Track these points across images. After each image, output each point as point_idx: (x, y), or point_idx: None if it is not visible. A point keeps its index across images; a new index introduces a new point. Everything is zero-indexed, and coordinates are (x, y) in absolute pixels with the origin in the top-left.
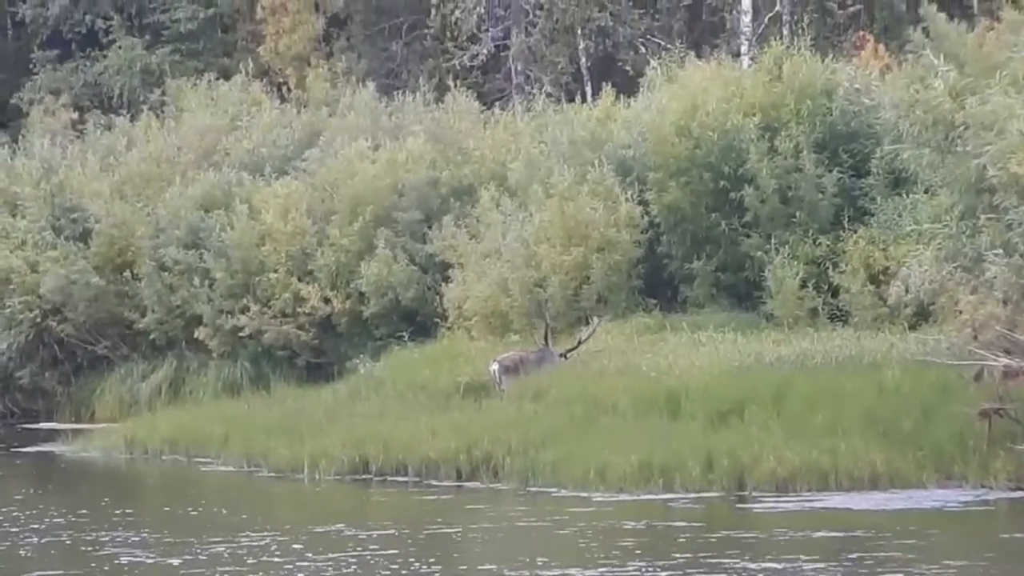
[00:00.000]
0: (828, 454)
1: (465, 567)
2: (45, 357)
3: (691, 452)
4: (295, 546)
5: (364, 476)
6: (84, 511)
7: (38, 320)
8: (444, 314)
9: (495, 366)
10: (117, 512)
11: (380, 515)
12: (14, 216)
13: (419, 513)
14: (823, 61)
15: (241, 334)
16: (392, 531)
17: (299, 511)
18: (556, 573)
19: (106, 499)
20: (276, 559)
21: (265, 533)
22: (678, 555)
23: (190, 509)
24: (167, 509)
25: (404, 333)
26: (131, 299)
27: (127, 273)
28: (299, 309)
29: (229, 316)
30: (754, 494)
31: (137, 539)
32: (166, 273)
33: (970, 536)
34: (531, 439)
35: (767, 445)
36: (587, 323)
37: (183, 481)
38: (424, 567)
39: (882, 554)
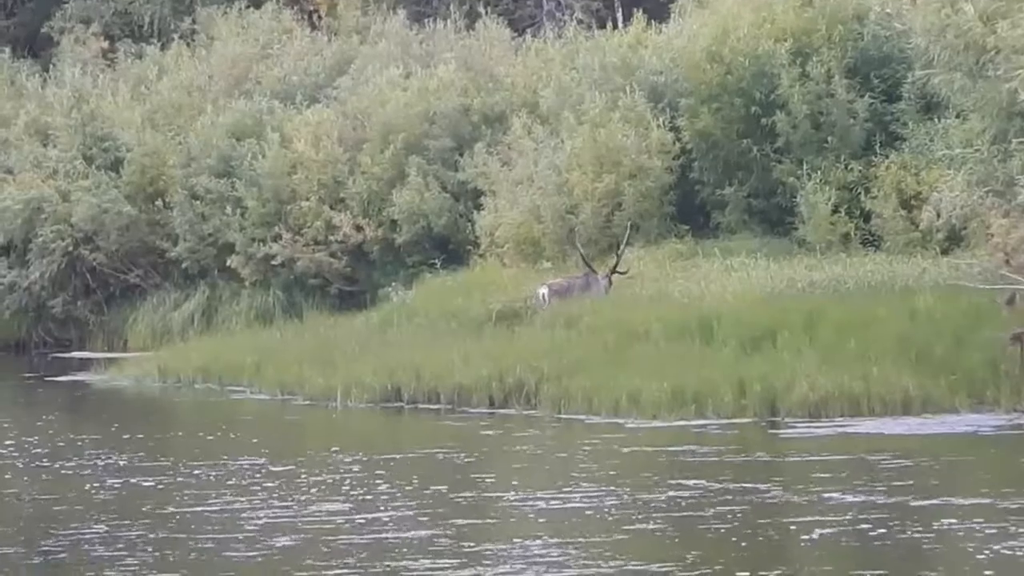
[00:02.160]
0: (860, 379)
1: (438, 488)
2: (77, 286)
3: (723, 378)
4: (279, 468)
5: (396, 404)
6: (89, 436)
7: (70, 249)
8: (476, 241)
9: (544, 290)
10: (125, 437)
11: (388, 440)
12: (45, 145)
13: (433, 438)
14: None
15: (273, 262)
16: (389, 454)
17: (308, 437)
18: (535, 495)
19: (115, 425)
20: (248, 481)
21: (260, 457)
22: (708, 480)
23: (202, 434)
24: (179, 434)
25: (436, 261)
26: (163, 228)
27: (159, 202)
28: (331, 237)
29: (261, 244)
30: (786, 420)
31: (125, 463)
32: (198, 202)
33: (1002, 460)
34: (564, 366)
35: (799, 371)
36: (618, 248)
37: (209, 408)
38: (387, 486)
39: (914, 478)
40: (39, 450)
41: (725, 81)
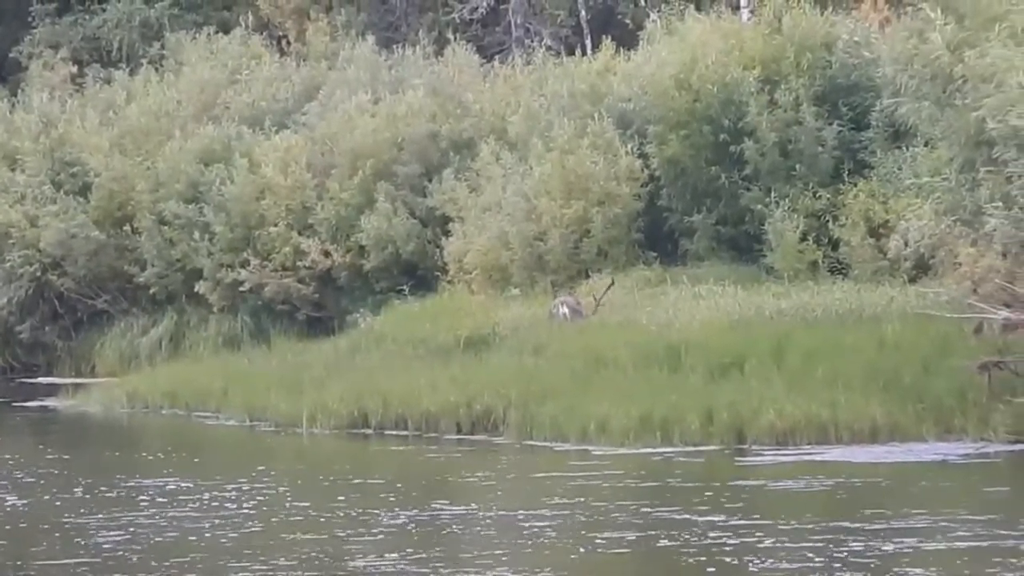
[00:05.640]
0: (828, 407)
1: (340, 508)
2: (45, 311)
3: (691, 405)
4: (186, 484)
5: (363, 430)
6: (19, 456)
7: (38, 274)
8: (444, 268)
9: (565, 309)
10: (49, 457)
11: (330, 464)
12: (13, 170)
13: (382, 463)
14: (823, 14)
15: (241, 288)
16: (318, 477)
17: (247, 459)
18: (434, 515)
19: (41, 446)
20: (142, 498)
21: (176, 476)
22: (672, 507)
23: (140, 455)
24: (117, 454)
25: (404, 287)
26: (131, 253)
27: (127, 227)
28: (299, 263)
29: (229, 270)
30: (753, 447)
31: (35, 481)
32: (166, 227)
33: (969, 489)
34: (531, 393)
35: (767, 398)
36: (587, 277)
37: (166, 432)
38: (276, 505)
39: (880, 507)
40: None
41: (694, 108)
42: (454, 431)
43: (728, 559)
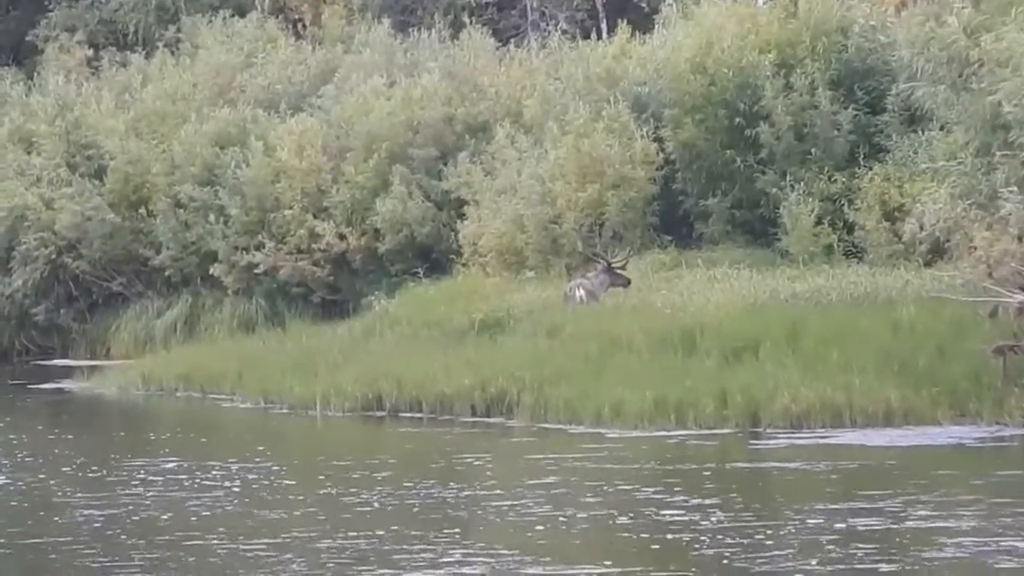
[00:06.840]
0: (842, 391)
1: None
2: (60, 294)
3: (705, 389)
4: (184, 464)
5: (378, 413)
6: (21, 437)
7: (53, 257)
8: (459, 251)
9: (581, 292)
10: (55, 438)
11: (334, 447)
12: (29, 153)
13: (389, 445)
14: None
15: (256, 271)
16: (319, 457)
17: (251, 440)
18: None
19: (44, 427)
20: (131, 479)
21: (175, 457)
22: (665, 487)
23: (153, 435)
24: (123, 435)
25: (419, 270)
26: (146, 236)
27: (142, 210)
28: (314, 246)
29: (244, 253)
30: (768, 431)
31: (31, 461)
32: (181, 210)
33: (983, 472)
34: (546, 376)
35: (781, 382)
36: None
37: (176, 415)
38: (270, 485)
39: (894, 490)
40: None
41: (709, 92)
42: (468, 414)
43: (685, 536)
